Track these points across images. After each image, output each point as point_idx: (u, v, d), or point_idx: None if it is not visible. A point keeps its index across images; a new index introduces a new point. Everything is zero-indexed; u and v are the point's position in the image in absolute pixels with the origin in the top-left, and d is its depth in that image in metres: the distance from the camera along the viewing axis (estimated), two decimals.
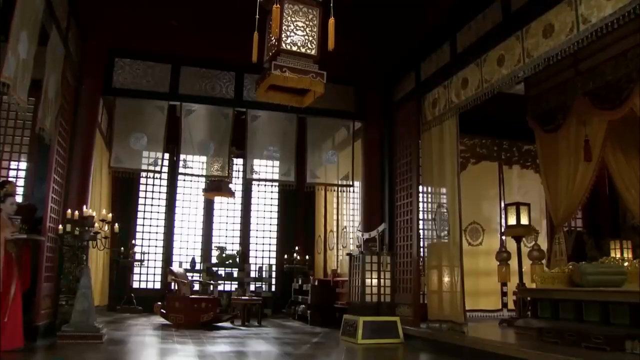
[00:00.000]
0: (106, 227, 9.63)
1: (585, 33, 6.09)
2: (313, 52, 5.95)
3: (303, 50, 5.92)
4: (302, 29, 5.96)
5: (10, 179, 9.25)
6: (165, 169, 14.61)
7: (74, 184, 9.34)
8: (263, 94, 6.07)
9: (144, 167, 10.90)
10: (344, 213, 14.01)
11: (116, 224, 10.16)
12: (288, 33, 5.88)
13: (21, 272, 6.90)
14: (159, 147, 10.71)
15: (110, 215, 9.84)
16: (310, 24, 6.01)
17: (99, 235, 9.04)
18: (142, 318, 12.54)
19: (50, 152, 8.49)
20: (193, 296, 11.54)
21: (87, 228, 8.81)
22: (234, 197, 14.43)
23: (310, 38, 5.99)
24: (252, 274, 15.11)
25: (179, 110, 10.88)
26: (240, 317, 12.01)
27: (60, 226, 8.66)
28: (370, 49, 10.35)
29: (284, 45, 5.82)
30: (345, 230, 13.75)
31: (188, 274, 14.02)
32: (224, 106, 10.99)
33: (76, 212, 8.72)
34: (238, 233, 16.25)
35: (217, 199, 15.36)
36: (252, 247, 16.32)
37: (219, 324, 11.48)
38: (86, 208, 9.09)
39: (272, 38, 5.98)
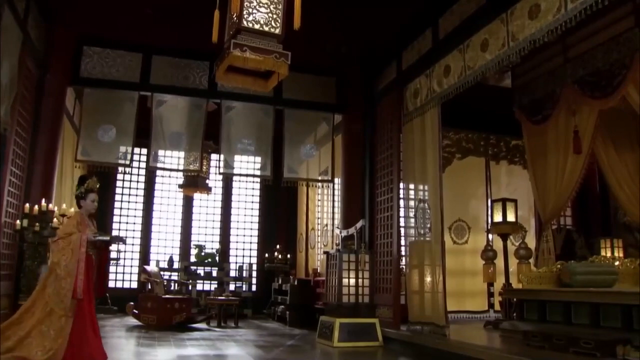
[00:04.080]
0: None
1: (573, 12, 5.67)
2: (277, 31, 5.47)
3: (266, 28, 5.44)
4: (265, 5, 5.49)
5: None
6: (143, 164, 14.31)
7: (37, 177, 8.92)
8: (223, 76, 5.60)
9: (113, 160, 10.38)
10: (326, 210, 13.56)
11: None
12: (250, 10, 5.42)
13: (100, 276, 6.18)
14: (129, 140, 10.22)
15: (72, 210, 9.32)
16: (275, 0, 5.52)
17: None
18: (116, 319, 12.05)
19: (7, 142, 8.03)
20: (166, 296, 11.05)
21: (47, 223, 8.36)
22: (210, 193, 13.93)
23: (275, 16, 5.51)
24: (232, 273, 14.72)
25: (150, 101, 10.38)
26: (216, 318, 11.54)
27: (18, 221, 8.20)
28: (351, 38, 9.89)
29: (245, 22, 5.36)
30: (326, 228, 13.30)
31: (166, 273, 13.59)
32: (198, 97, 10.51)
33: (35, 207, 8.27)
34: (218, 231, 15.74)
35: (197, 196, 14.85)
36: (232, 245, 15.81)
37: (194, 325, 11.03)
38: (51, 203, 8.65)
39: (234, 15, 5.48)
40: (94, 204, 5.97)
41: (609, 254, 10.50)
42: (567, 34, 7.88)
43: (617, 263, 8.23)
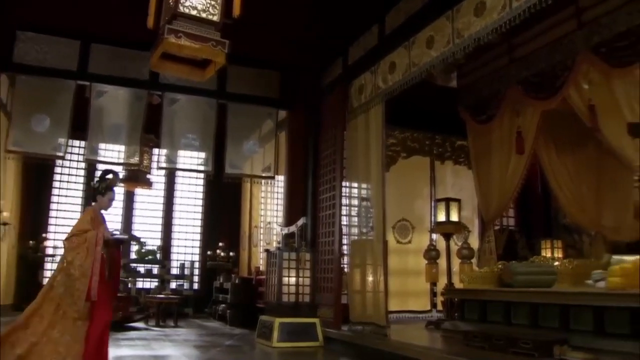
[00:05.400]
0: None
1: (518, 10, 5.66)
2: (215, 17, 5.22)
3: (203, 15, 5.19)
4: None
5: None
6: (82, 157, 13.79)
7: None
8: (157, 63, 5.32)
9: (47, 152, 9.93)
10: (270, 208, 13.35)
11: (5, 213, 9.19)
12: None
13: (112, 276, 5.63)
14: (64, 131, 9.78)
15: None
16: None
17: None
18: None
19: None
20: None
21: None
22: (151, 188, 13.52)
23: (213, 2, 5.26)
24: (174, 271, 14.36)
25: (88, 92, 9.95)
26: (154, 317, 11.20)
27: None
28: (296, 32, 9.66)
29: (181, 7, 5.09)
30: (270, 226, 13.08)
31: None
32: (138, 88, 10.14)
33: None
34: (160, 227, 15.31)
35: (139, 191, 14.39)
36: (174, 242, 15.37)
37: (132, 325, 10.66)
38: None
39: (170, 0, 5.23)
40: (110, 202, 5.62)
41: (549, 255, 10.65)
42: (512, 34, 8.01)
43: (556, 263, 8.29)
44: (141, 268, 13.72)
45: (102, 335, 5.16)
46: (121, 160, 11.20)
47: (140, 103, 10.18)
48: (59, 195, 14.45)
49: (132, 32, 9.56)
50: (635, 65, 6.53)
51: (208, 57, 5.20)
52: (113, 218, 14.84)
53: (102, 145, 10.64)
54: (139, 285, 13.64)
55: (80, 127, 9.94)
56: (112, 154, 11.14)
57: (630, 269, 6.27)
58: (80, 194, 14.64)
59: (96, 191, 5.56)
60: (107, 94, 10.14)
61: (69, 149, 13.11)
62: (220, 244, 14.59)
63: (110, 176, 5.62)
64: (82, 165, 14.39)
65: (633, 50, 6.63)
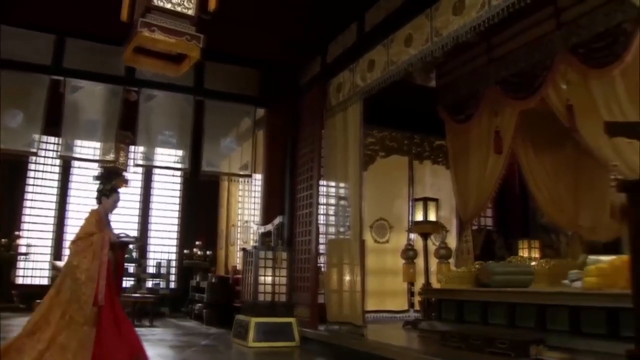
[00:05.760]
0: None
1: (496, 9, 5.65)
2: (190, 11, 5.10)
3: (178, 8, 5.06)
4: None
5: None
6: (56, 154, 13.55)
7: None
8: (131, 58, 5.20)
9: (20, 148, 9.72)
10: (247, 207, 13.24)
11: None
12: None
13: (116, 278, 5.50)
14: (37, 126, 9.56)
15: None
16: None
17: None
18: (22, 318, 11.32)
19: None
20: None
21: None
22: (127, 186, 13.30)
23: None
24: (150, 270, 14.19)
25: (63, 87, 9.76)
26: (130, 317, 11.03)
27: None
28: (276, 29, 9.55)
29: (155, 0, 4.96)
30: (247, 224, 12.98)
31: None
32: (114, 84, 9.95)
33: None
34: (136, 226, 15.11)
35: None
36: (151, 241, 15.21)
37: None
38: None
39: None
40: (115, 204, 5.54)
41: (526, 255, 10.67)
42: (491, 34, 7.98)
43: (533, 263, 8.30)
44: None
45: (110, 339, 5.01)
46: (97, 157, 11.02)
47: (116, 99, 9.99)
48: (33, 193, 14.20)
49: (108, 27, 9.27)
50: (613, 66, 6.53)
51: (182, 52, 5.09)
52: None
53: (77, 142, 10.43)
54: None
55: (54, 123, 9.72)
56: (88, 151, 10.95)
57: (607, 269, 6.30)
58: (55, 191, 14.42)
59: (101, 193, 5.46)
60: (83, 90, 9.93)
61: (43, 146, 12.94)
62: (198, 242, 14.46)
63: (116, 179, 5.54)
64: (57, 162, 14.18)
65: (610, 51, 6.62)
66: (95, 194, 5.58)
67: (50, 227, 14.22)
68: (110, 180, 5.50)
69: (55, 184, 14.46)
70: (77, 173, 14.60)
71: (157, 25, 4.88)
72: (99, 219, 5.34)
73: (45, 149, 13.18)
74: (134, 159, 10.87)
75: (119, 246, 5.43)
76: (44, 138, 10.11)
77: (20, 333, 4.94)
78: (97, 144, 10.76)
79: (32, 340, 4.83)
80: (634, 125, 3.37)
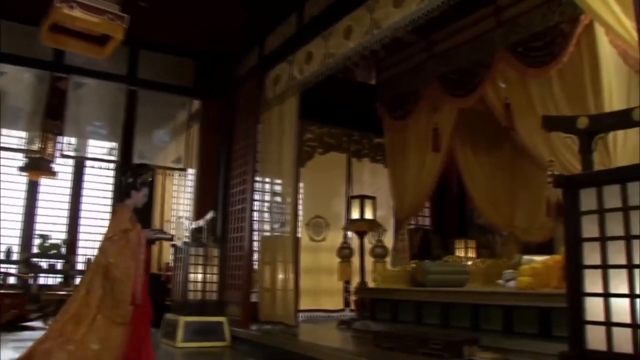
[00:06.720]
0: None
1: (437, 1, 5.58)
2: None
3: None
4: None
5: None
6: None
7: None
8: (48, 36, 4.86)
9: None
10: (181, 202, 12.87)
11: None
12: None
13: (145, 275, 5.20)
14: None
15: None
16: None
17: None
18: None
19: None
20: None
21: None
22: (54, 177, 12.76)
23: None
24: (80, 267, 13.62)
25: None
26: (52, 315, 10.56)
27: None
28: (212, 18, 9.27)
29: None
30: (181, 220, 12.61)
31: (3, 265, 12.31)
32: (41, 69, 9.49)
33: None
34: (65, 220, 14.48)
35: (43, 181, 13.57)
36: (81, 236, 14.57)
37: (29, 324, 9.98)
38: None
39: None
40: (144, 198, 5.25)
41: (463, 254, 10.68)
42: (432, 30, 7.92)
43: (469, 263, 8.27)
44: (44, 263, 12.99)
45: (144, 336, 4.90)
46: (21, 147, 10.53)
47: (43, 86, 9.53)
48: None
49: (35, 6, 8.91)
50: (550, 65, 6.54)
51: (104, 32, 4.79)
52: (14, 210, 14.00)
53: (4, 131, 9.97)
54: (42, 281, 12.85)
55: None
56: (12, 140, 10.46)
57: (540, 269, 6.29)
58: None
59: (130, 186, 5.19)
60: (6, 75, 9.46)
61: None
62: None
63: (146, 173, 5.36)
64: None
65: (548, 50, 6.65)
66: (122, 189, 5.38)
67: None
68: (141, 174, 5.28)
69: None
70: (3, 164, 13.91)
71: (76, 2, 4.56)
72: (131, 215, 5.12)
73: None
74: (61, 150, 10.37)
75: (148, 243, 5.26)
76: None
77: (47, 335, 4.70)
78: (23, 133, 10.30)
79: (60, 342, 4.60)
80: (570, 119, 3.26)
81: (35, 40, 8.99)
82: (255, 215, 8.80)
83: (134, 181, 5.21)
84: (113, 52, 5.16)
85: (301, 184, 9.96)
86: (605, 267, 2.88)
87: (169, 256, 12.99)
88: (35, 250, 12.85)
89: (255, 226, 8.78)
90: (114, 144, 10.52)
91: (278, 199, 8.35)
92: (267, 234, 8.59)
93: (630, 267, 2.77)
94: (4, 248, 12.96)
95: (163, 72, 10.24)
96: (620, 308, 2.81)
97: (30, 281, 11.85)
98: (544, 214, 8.09)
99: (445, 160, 8.75)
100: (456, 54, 8.07)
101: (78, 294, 4.88)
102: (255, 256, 8.93)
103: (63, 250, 13.13)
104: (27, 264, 12.41)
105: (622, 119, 3.15)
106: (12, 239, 13.62)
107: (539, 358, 5.42)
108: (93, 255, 13.54)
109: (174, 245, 8.76)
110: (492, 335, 6.08)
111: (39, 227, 13.84)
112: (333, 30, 7.24)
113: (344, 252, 9.53)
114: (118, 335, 4.71)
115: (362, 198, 9.08)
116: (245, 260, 8.59)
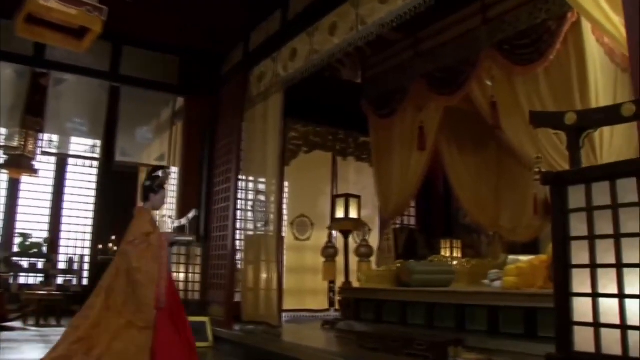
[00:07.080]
0: None
1: None
2: None
3: None
4: None
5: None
6: None
7: None
8: (23, 28, 4.72)
9: None
10: (165, 200, 12.74)
11: None
12: None
13: None
14: None
15: None
16: None
17: None
18: None
19: None
20: None
21: None
22: (35, 175, 12.58)
23: None
24: (62, 266, 13.44)
25: None
26: (34, 316, 10.38)
27: None
28: (197, 14, 9.18)
29: None
30: (164, 219, 12.47)
31: None
32: (21, 64, 9.35)
33: None
34: (47, 218, 14.28)
35: (25, 179, 13.38)
36: (63, 235, 14.39)
37: (7, 324, 9.77)
38: None
39: None
40: (163, 200, 5.27)
41: (448, 254, 10.65)
42: (418, 27, 7.85)
43: (454, 263, 8.23)
44: (24, 262, 12.81)
45: (170, 341, 4.73)
46: (1, 144, 10.36)
47: (23, 81, 9.37)
48: None
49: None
50: (537, 64, 6.49)
51: (82, 24, 4.65)
52: None
53: None
54: (22, 281, 12.67)
55: None
56: None
57: (525, 269, 6.25)
58: None
59: (149, 189, 5.16)
60: None
61: None
62: (113, 237, 13.80)
63: (162, 172, 5.29)
64: None
65: (535, 48, 6.60)
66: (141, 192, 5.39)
67: None
68: (158, 177, 5.22)
69: None
70: None
71: None
72: (151, 218, 5.13)
73: None
74: (41, 147, 10.20)
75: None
76: None
77: (67, 340, 4.60)
78: (2, 130, 10.12)
79: (83, 347, 4.52)
80: (558, 115, 3.19)
81: (14, 34, 8.97)
82: (239, 214, 8.71)
83: (151, 184, 5.19)
84: (91, 45, 5.02)
85: (286, 183, 9.89)
86: (593, 266, 2.81)
87: None
88: (15, 249, 12.68)
89: (239, 225, 8.69)
90: (96, 142, 10.36)
91: (262, 197, 8.25)
92: (251, 233, 8.49)
93: (619, 266, 2.70)
94: None
95: (146, 69, 10.13)
96: (609, 309, 2.73)
97: (11, 280, 11.67)
98: (531, 213, 8.07)
99: (431, 159, 8.70)
100: (442, 52, 8.01)
101: (97, 299, 4.78)
102: (239, 255, 8.84)
103: (44, 249, 13.00)
104: (7, 263, 12.24)
105: (611, 115, 3.07)
106: None
107: (524, 359, 5.38)
108: (74, 254, 13.44)
109: None
110: (477, 336, 6.04)
111: (20, 226, 13.66)
112: (318, 26, 7.17)
113: (329, 251, 9.43)
114: (144, 340, 4.63)
115: (347, 197, 9.01)
116: (229, 259, 8.50)
